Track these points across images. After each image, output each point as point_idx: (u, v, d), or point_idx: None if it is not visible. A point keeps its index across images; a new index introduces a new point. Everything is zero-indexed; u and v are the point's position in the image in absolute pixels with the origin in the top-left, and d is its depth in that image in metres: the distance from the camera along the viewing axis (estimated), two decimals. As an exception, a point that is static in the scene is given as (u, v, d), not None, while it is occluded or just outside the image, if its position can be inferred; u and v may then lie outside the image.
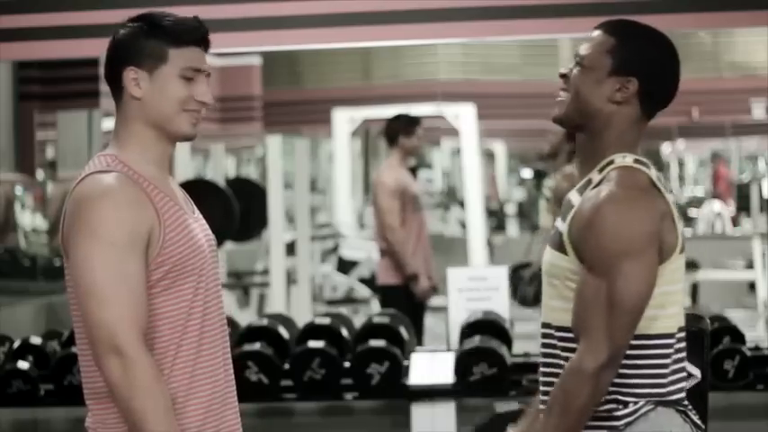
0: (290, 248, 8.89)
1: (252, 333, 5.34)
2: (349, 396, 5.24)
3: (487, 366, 5.02)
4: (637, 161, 2.71)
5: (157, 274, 2.70)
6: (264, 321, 5.51)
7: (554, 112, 2.79)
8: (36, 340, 5.49)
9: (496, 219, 17.12)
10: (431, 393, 5.02)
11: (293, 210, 9.31)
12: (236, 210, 8.15)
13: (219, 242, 7.30)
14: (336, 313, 6.15)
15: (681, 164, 19.47)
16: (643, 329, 2.66)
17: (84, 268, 2.65)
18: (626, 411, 2.67)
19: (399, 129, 7.56)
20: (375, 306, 9.35)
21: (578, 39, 3.04)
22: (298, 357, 5.18)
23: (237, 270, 10.63)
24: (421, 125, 7.65)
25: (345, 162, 12.12)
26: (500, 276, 5.43)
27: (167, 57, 2.74)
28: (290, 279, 8.82)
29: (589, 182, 2.72)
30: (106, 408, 2.72)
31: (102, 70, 2.83)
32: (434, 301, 7.68)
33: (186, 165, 9.23)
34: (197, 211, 2.88)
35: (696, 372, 2.80)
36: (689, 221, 12.93)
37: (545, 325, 2.75)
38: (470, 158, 11.60)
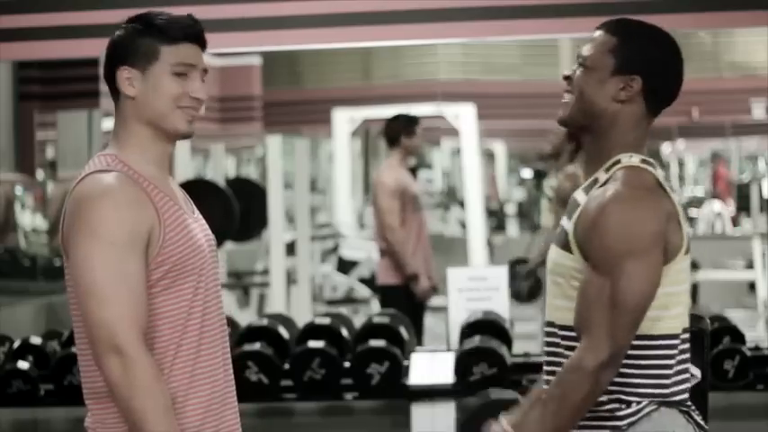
0: (290, 248, 8.90)
1: (252, 333, 5.34)
2: (349, 396, 5.24)
3: (487, 366, 5.02)
4: (643, 161, 2.71)
5: (157, 274, 2.70)
6: (264, 321, 5.51)
7: (558, 114, 2.80)
8: (36, 340, 5.49)
9: (496, 219, 17.12)
10: (431, 393, 5.02)
11: (293, 210, 9.31)
12: (236, 210, 8.15)
13: (219, 242, 7.31)
14: (336, 313, 6.15)
15: (681, 164, 19.47)
16: (646, 330, 2.66)
17: (85, 268, 2.65)
18: (629, 411, 2.67)
19: (400, 129, 7.56)
20: (375, 306, 9.35)
21: (578, 39, 3.04)
22: (298, 357, 5.18)
23: (237, 270, 10.63)
24: (420, 124, 7.65)
25: (345, 162, 12.12)
26: (500, 276, 5.43)
27: (159, 54, 2.75)
28: (290, 279, 8.82)
29: (595, 181, 2.72)
30: (106, 407, 2.72)
31: (102, 70, 2.84)
32: (434, 301, 7.68)
33: (186, 165, 9.24)
34: (197, 212, 2.88)
35: (696, 372, 2.80)
36: (689, 221, 12.91)
37: (549, 324, 2.75)
38: (470, 158, 11.60)
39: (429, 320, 8.32)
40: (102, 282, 2.63)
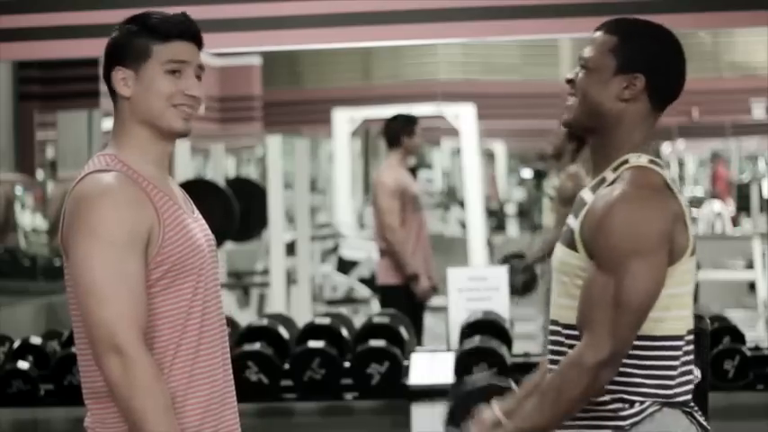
0: (290, 248, 8.90)
1: (252, 333, 5.34)
2: (349, 396, 5.24)
3: (487, 366, 5.02)
4: (651, 161, 2.71)
5: (157, 274, 2.70)
6: (264, 321, 5.51)
7: (564, 117, 2.80)
8: (36, 340, 5.49)
9: (496, 219, 17.12)
10: (431, 393, 5.02)
11: (293, 210, 9.32)
12: (236, 210, 8.15)
13: (219, 242, 7.31)
14: (336, 313, 6.15)
15: (681, 164, 19.46)
16: (649, 331, 2.66)
17: (84, 267, 2.65)
18: (632, 411, 2.67)
19: (400, 129, 7.57)
20: (375, 306, 9.35)
21: (578, 39, 3.05)
22: (298, 357, 5.18)
23: (237, 270, 10.63)
24: (419, 124, 7.66)
25: (345, 162, 12.12)
26: (500, 276, 5.43)
27: (151, 53, 2.75)
28: (290, 279, 8.82)
29: (603, 180, 2.72)
30: (105, 407, 2.72)
31: (101, 70, 2.85)
32: (434, 301, 7.68)
33: (186, 165, 9.23)
34: (197, 212, 2.88)
35: (696, 372, 2.80)
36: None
37: (553, 322, 2.75)
38: (470, 158, 11.60)
39: (429, 320, 8.32)
40: (101, 281, 2.63)
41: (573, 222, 2.71)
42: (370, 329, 5.37)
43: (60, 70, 9.84)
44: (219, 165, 10.57)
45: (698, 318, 2.88)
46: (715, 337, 5.21)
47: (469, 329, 5.22)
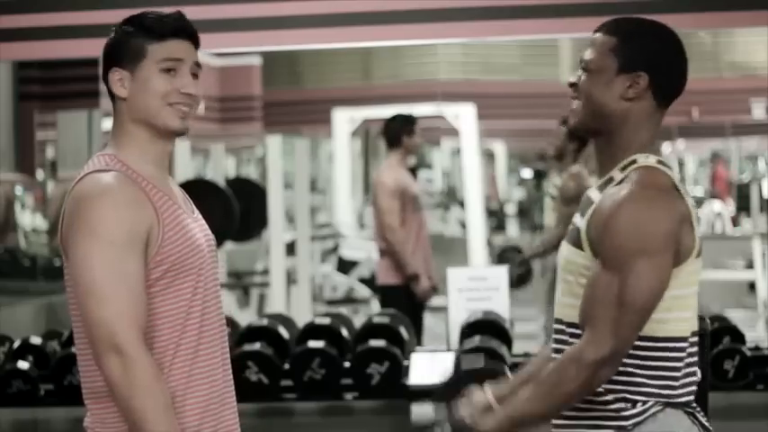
0: (290, 248, 8.90)
1: (252, 333, 5.34)
2: (349, 396, 5.23)
3: (487, 366, 5.01)
4: (659, 162, 2.71)
5: (156, 273, 2.70)
6: (264, 321, 5.50)
7: (569, 121, 2.80)
8: (36, 340, 5.49)
9: (496, 219, 17.12)
10: (431, 393, 5.01)
11: (293, 210, 9.31)
12: (236, 210, 8.15)
13: (219, 242, 7.31)
14: (336, 313, 6.15)
15: (681, 164, 19.47)
16: (652, 332, 2.65)
17: (84, 267, 2.65)
18: (634, 411, 2.67)
19: (400, 129, 7.57)
20: (375, 306, 9.35)
21: (578, 39, 3.05)
22: (298, 357, 5.18)
23: (237, 270, 10.63)
24: (418, 124, 7.67)
25: (345, 162, 12.12)
26: (500, 276, 5.43)
27: (146, 52, 2.76)
28: (290, 279, 8.82)
29: (610, 180, 2.72)
30: (105, 407, 2.72)
31: (101, 71, 2.86)
32: (434, 301, 7.68)
33: (186, 165, 9.23)
34: (196, 211, 2.88)
35: (696, 372, 2.80)
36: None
37: (557, 321, 2.75)
38: (470, 158, 11.60)
39: (429, 320, 8.32)
40: (101, 281, 2.63)
41: (579, 221, 2.72)
42: (370, 329, 5.37)
43: (60, 70, 9.85)
44: (219, 165, 10.57)
45: (698, 318, 2.88)
46: (715, 337, 5.21)
47: (469, 329, 5.22)
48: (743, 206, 13.75)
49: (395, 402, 5.17)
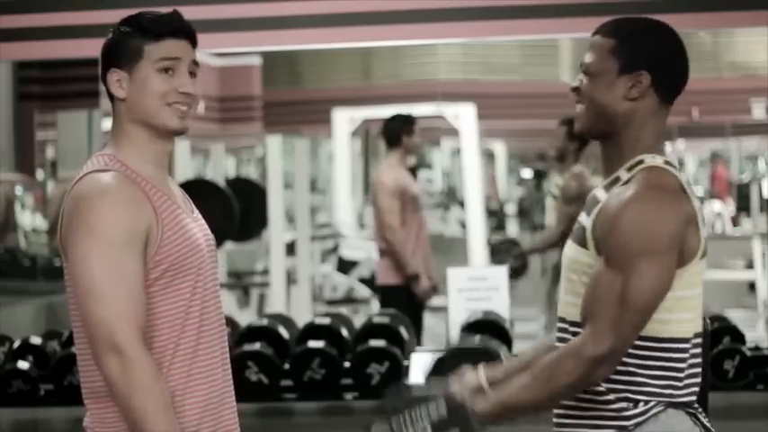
0: (290, 248, 8.89)
1: (252, 333, 5.34)
2: (349, 396, 5.23)
3: (487, 366, 5.01)
4: (666, 163, 2.71)
5: (155, 273, 2.70)
6: (264, 321, 5.50)
7: (575, 126, 2.80)
8: (36, 340, 5.49)
9: (496, 219, 17.11)
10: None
11: (293, 210, 9.31)
12: (236, 210, 8.15)
13: (219, 242, 7.31)
14: (336, 313, 6.15)
15: (681, 164, 19.47)
16: (654, 332, 2.65)
17: (83, 267, 2.65)
18: (636, 411, 2.67)
19: (399, 129, 7.57)
20: (375, 306, 9.35)
21: (578, 39, 3.05)
22: (298, 357, 5.18)
23: (237, 270, 10.63)
24: (417, 123, 7.67)
25: (345, 162, 12.12)
26: (500, 276, 5.43)
27: (143, 53, 2.76)
28: (290, 279, 8.81)
29: (617, 179, 2.72)
30: (105, 407, 2.72)
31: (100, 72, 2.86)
32: (434, 301, 7.68)
33: (186, 165, 9.23)
34: (196, 211, 2.88)
35: (699, 373, 2.79)
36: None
37: (560, 319, 2.76)
38: (470, 158, 11.60)
39: (429, 320, 8.32)
40: (100, 281, 2.63)
41: (585, 220, 2.72)
42: (370, 329, 5.37)
43: (60, 70, 9.85)
44: (219, 165, 10.57)
45: (699, 319, 2.88)
46: (715, 337, 5.21)
47: (469, 329, 5.22)
48: (743, 206, 13.75)
49: (395, 402, 5.16)
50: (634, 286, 2.60)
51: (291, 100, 15.57)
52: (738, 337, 5.36)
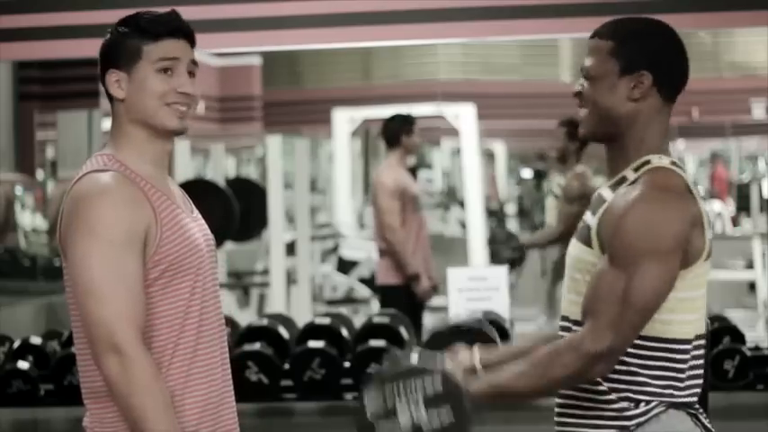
0: (290, 248, 8.89)
1: (252, 333, 5.34)
2: (349, 396, 5.23)
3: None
4: (673, 163, 2.71)
5: (154, 273, 2.70)
6: (264, 321, 5.51)
7: (580, 131, 2.80)
8: (36, 340, 5.49)
9: (496, 219, 17.10)
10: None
11: (293, 210, 9.31)
12: (236, 210, 8.15)
13: (219, 242, 7.30)
14: (336, 313, 6.15)
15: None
16: (656, 332, 2.65)
17: (83, 266, 2.65)
18: (637, 411, 2.67)
19: (399, 129, 7.57)
20: (375, 306, 9.35)
21: (578, 39, 3.04)
22: (298, 357, 5.18)
23: (237, 270, 10.63)
24: (417, 123, 7.67)
25: (345, 162, 12.12)
26: (500, 276, 5.43)
27: (142, 53, 2.76)
28: (290, 279, 8.81)
29: (623, 179, 2.72)
30: (104, 407, 2.72)
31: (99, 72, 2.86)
32: (434, 301, 7.68)
33: (186, 165, 9.23)
34: (195, 211, 2.88)
35: (701, 374, 2.79)
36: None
37: (564, 318, 2.76)
38: (470, 158, 11.60)
39: (429, 320, 8.32)
40: (100, 280, 2.63)
41: (590, 219, 2.72)
42: (370, 329, 5.37)
43: (60, 70, 9.86)
44: (219, 165, 10.56)
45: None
46: (715, 337, 5.21)
47: (469, 329, 5.21)
48: (743, 206, 13.75)
49: (395, 402, 5.16)
50: (636, 286, 2.60)
51: (291, 100, 15.58)
52: (738, 337, 5.36)
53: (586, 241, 2.70)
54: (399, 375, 2.65)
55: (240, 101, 14.84)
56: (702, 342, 2.73)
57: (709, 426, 2.75)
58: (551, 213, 7.67)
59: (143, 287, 2.67)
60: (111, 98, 2.81)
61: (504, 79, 15.76)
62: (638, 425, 2.67)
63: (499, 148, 19.47)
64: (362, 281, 10.42)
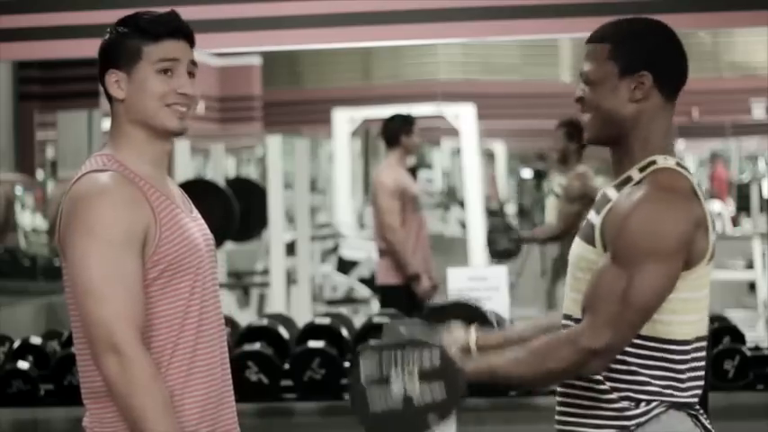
0: (290, 248, 8.89)
1: (252, 333, 5.34)
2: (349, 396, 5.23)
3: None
4: (678, 164, 2.71)
5: (153, 273, 2.70)
6: (264, 321, 5.51)
7: (585, 136, 2.81)
8: (36, 340, 5.49)
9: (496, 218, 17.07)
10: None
11: (293, 210, 9.31)
12: (236, 210, 8.15)
13: (219, 242, 7.30)
14: (336, 313, 6.15)
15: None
16: (655, 332, 2.66)
17: (82, 266, 2.65)
18: (637, 411, 2.67)
19: (399, 129, 7.56)
20: (375, 306, 9.35)
21: (578, 39, 3.04)
22: (298, 357, 5.18)
23: (237, 270, 10.63)
24: (416, 123, 7.67)
25: (345, 162, 12.12)
26: (500, 276, 5.43)
27: (142, 54, 2.76)
28: (290, 279, 8.81)
29: (628, 179, 2.72)
30: (104, 407, 2.72)
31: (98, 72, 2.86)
32: (434, 300, 7.67)
33: (186, 165, 9.23)
34: (195, 211, 2.88)
35: (702, 375, 2.79)
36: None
37: (566, 316, 2.76)
38: (470, 158, 11.59)
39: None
40: (99, 280, 2.63)
41: (594, 218, 2.72)
42: (370, 329, 5.37)
43: (60, 70, 9.86)
44: (219, 165, 10.56)
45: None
46: (715, 337, 5.21)
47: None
48: (743, 206, 13.75)
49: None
50: (637, 286, 2.60)
51: (291, 100, 15.58)
52: (738, 337, 5.36)
53: (590, 240, 2.70)
54: (398, 345, 2.66)
55: (240, 101, 14.85)
56: (704, 344, 2.73)
57: (709, 426, 2.75)
58: (551, 213, 7.67)
59: (142, 287, 2.67)
60: (110, 98, 2.81)
61: (504, 79, 15.77)
62: (638, 425, 2.67)
63: (499, 148, 19.47)
64: (362, 281, 10.42)
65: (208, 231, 2.87)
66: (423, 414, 2.64)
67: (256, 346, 5.19)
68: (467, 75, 15.72)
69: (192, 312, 2.74)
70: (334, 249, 11.10)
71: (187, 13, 2.88)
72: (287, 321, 5.60)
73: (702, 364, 2.73)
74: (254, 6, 4.92)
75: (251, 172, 17.48)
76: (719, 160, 17.65)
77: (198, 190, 6.76)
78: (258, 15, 4.92)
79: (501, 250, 7.38)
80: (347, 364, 5.22)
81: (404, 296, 7.30)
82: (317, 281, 10.16)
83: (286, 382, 5.21)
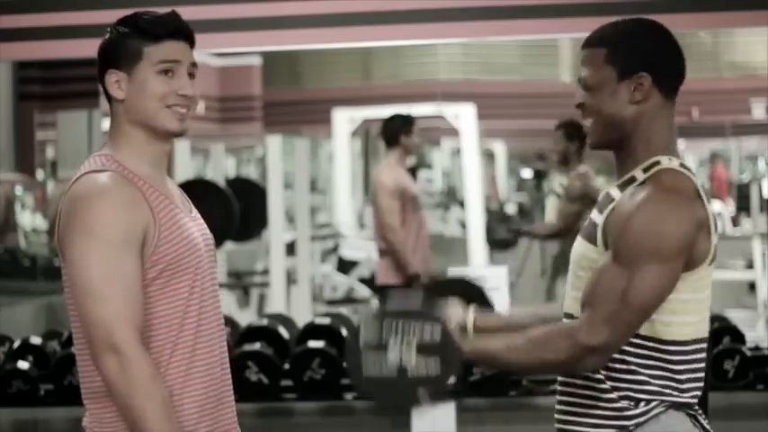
0: (290, 248, 8.89)
1: (252, 333, 5.34)
2: (349, 396, 5.24)
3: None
4: (682, 166, 2.72)
5: (153, 273, 2.70)
6: (264, 321, 5.51)
7: (588, 141, 2.81)
8: (36, 340, 5.49)
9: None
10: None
11: (293, 210, 9.31)
12: (236, 210, 8.15)
13: (219, 242, 7.30)
14: (336, 313, 6.15)
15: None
16: (653, 332, 2.66)
17: (81, 266, 2.65)
18: (637, 411, 2.67)
19: (398, 129, 7.57)
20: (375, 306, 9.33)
21: (578, 39, 3.04)
22: (298, 357, 5.18)
23: (237, 270, 10.63)
24: (416, 123, 7.67)
25: (345, 162, 12.12)
26: (500, 276, 5.43)
27: (142, 54, 2.75)
28: (290, 279, 8.81)
29: (632, 179, 2.72)
30: (104, 407, 2.72)
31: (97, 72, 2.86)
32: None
33: (186, 165, 9.23)
34: (194, 211, 2.88)
35: (702, 377, 2.79)
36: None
37: (567, 315, 2.77)
38: (470, 158, 11.59)
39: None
40: (98, 280, 2.63)
41: (597, 217, 2.72)
42: (370, 329, 5.37)
43: (60, 70, 9.86)
44: (219, 165, 10.56)
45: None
46: (715, 337, 5.21)
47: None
48: (743, 206, 13.75)
49: (395, 402, 5.16)
50: (636, 285, 2.60)
51: (291, 100, 15.59)
52: (738, 337, 5.36)
53: (592, 239, 2.70)
54: (401, 314, 2.65)
55: (240, 101, 14.85)
56: (704, 345, 2.73)
57: (707, 427, 2.75)
58: (552, 213, 7.67)
59: (141, 287, 2.67)
60: (109, 98, 2.81)
61: (504, 79, 15.77)
62: (638, 425, 2.67)
63: (499, 148, 19.47)
64: (362, 281, 10.42)
65: (207, 231, 2.86)
66: (414, 387, 2.64)
67: (256, 346, 5.19)
68: (467, 75, 15.73)
69: (191, 312, 2.74)
70: (334, 249, 11.10)
71: (187, 13, 2.88)
72: (287, 321, 5.60)
73: (702, 365, 2.73)
74: (254, 6, 4.92)
75: (251, 172, 17.48)
76: (719, 160, 17.64)
77: (198, 190, 6.76)
78: (258, 15, 4.92)
79: (499, 240, 7.40)
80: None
81: (404, 296, 7.29)
82: (317, 281, 10.16)
83: (286, 382, 5.21)
